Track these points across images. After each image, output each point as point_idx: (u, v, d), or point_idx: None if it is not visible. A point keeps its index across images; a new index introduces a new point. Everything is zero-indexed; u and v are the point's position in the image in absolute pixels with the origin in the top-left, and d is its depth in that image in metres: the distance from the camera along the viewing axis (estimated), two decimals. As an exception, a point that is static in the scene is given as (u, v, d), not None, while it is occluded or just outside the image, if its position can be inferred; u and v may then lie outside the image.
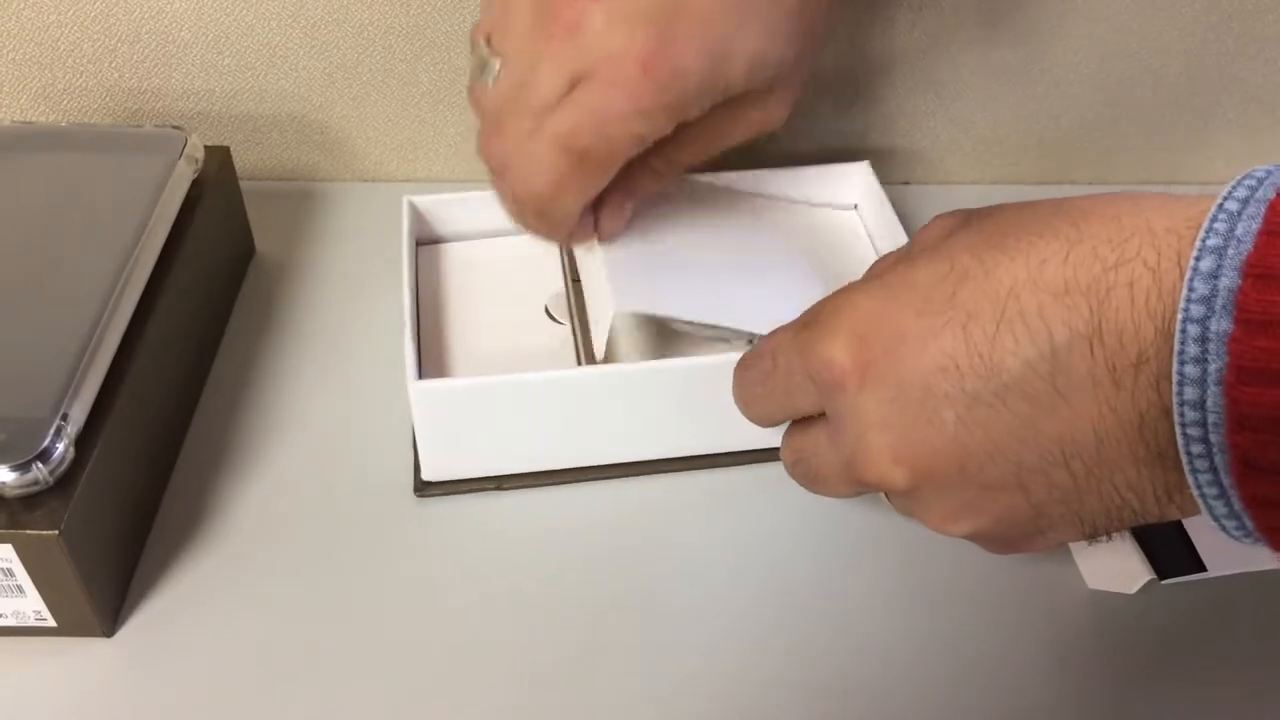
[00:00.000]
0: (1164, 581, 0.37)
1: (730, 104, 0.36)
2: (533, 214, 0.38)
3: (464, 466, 0.42)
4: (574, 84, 0.34)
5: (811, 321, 0.31)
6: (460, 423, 0.40)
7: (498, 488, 0.42)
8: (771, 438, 0.43)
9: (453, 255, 0.48)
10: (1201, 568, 0.37)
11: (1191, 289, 0.24)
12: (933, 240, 0.31)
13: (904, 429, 0.28)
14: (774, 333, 0.34)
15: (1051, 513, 0.28)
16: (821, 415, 0.32)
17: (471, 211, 0.48)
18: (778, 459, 0.43)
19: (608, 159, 0.35)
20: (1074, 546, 0.41)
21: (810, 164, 0.50)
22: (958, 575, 0.40)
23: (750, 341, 0.44)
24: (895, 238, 0.46)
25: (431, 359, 0.43)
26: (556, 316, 0.45)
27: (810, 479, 0.34)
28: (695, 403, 0.40)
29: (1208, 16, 0.53)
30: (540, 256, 0.47)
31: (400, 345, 0.40)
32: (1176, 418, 0.24)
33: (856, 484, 0.31)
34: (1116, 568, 0.38)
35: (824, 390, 0.30)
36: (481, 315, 0.45)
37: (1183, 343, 0.24)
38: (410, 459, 0.43)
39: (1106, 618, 0.39)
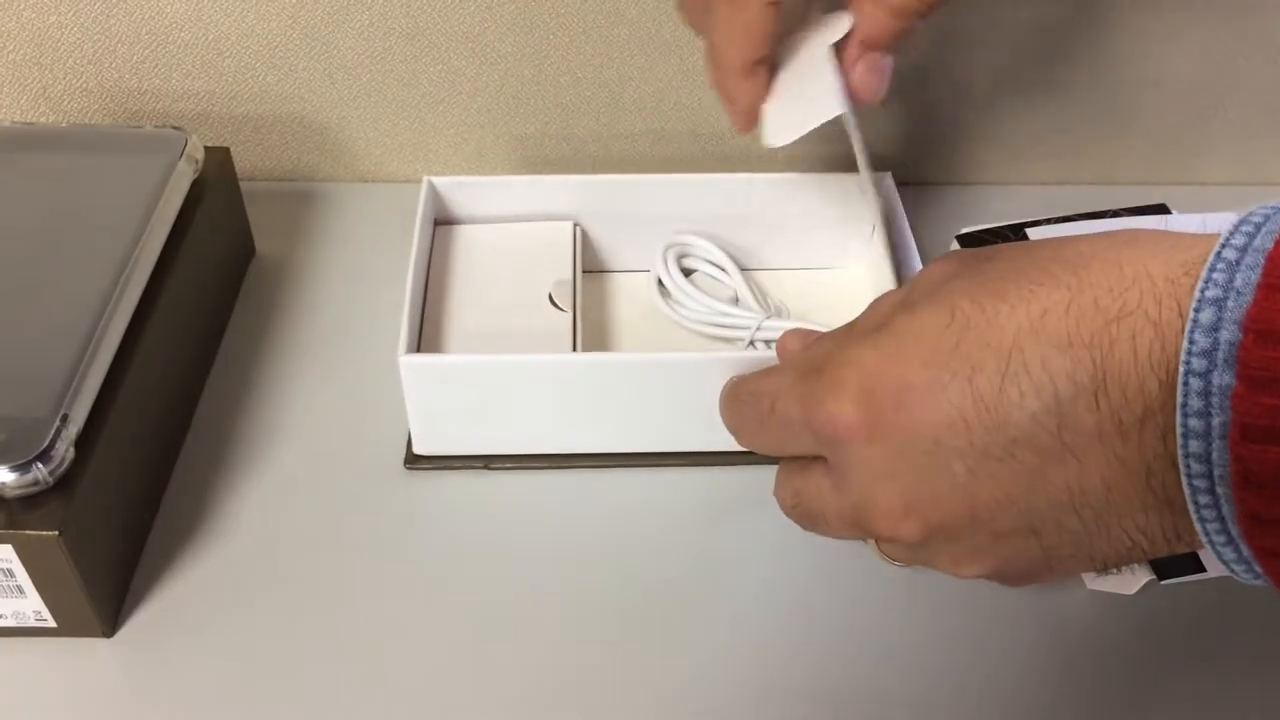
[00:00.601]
0: (1164, 582, 0.37)
1: None
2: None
3: (453, 443, 0.42)
4: None
5: (813, 373, 0.30)
6: (447, 398, 0.40)
7: (485, 467, 0.43)
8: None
9: (465, 237, 0.48)
10: (1201, 568, 0.37)
11: (1192, 341, 0.24)
12: (933, 284, 0.30)
13: (914, 481, 0.28)
14: (769, 375, 0.33)
15: (1063, 553, 0.28)
16: (819, 457, 0.32)
17: (489, 196, 0.48)
18: (767, 462, 0.43)
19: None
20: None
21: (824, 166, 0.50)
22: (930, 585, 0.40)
23: (750, 344, 0.44)
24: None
25: (430, 336, 0.44)
26: (560, 304, 0.45)
27: (810, 519, 0.34)
28: (685, 399, 0.41)
29: (1208, 16, 0.53)
30: (551, 243, 0.48)
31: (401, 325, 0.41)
32: (1183, 469, 0.24)
33: (862, 532, 0.31)
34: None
35: (827, 443, 0.30)
36: (485, 297, 0.46)
37: (1185, 396, 0.24)
38: (404, 446, 0.43)
39: (1106, 618, 0.39)
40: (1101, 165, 0.59)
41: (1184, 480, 0.24)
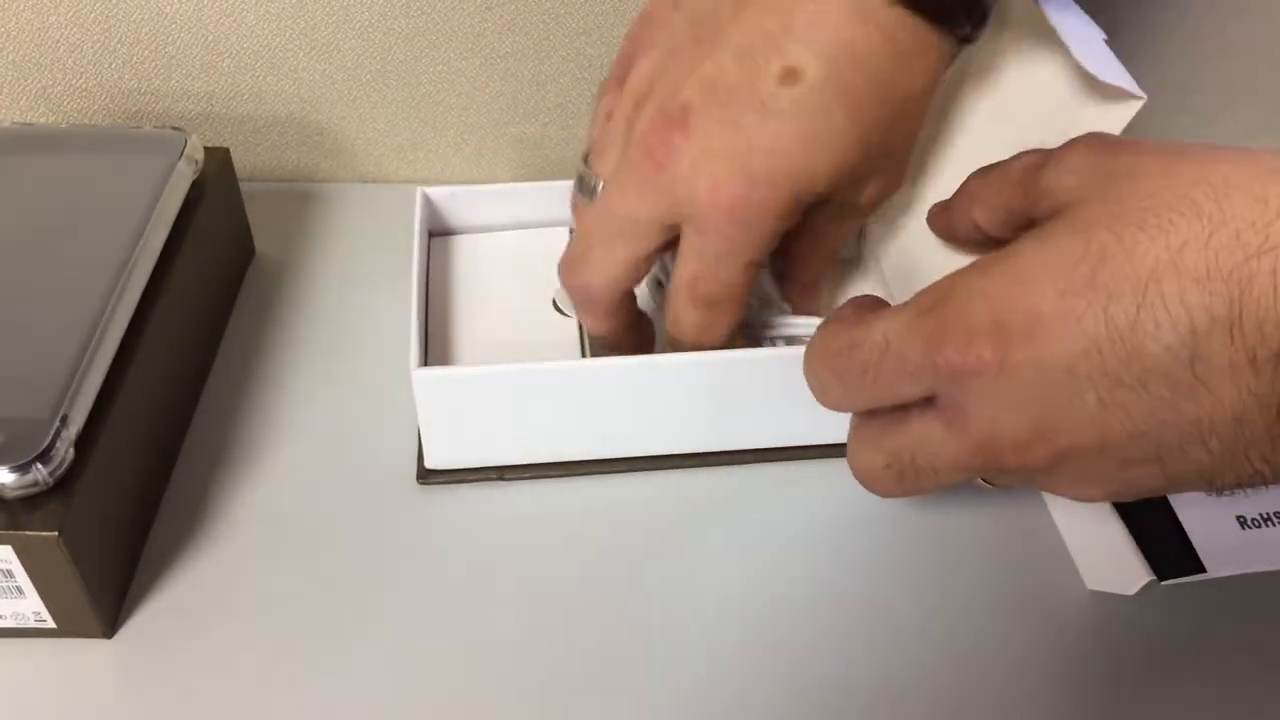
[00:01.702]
0: (1164, 582, 0.37)
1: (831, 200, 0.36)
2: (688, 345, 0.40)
3: (466, 455, 0.42)
4: (665, 224, 0.36)
5: (936, 308, 0.30)
6: (462, 411, 0.40)
7: (500, 478, 0.42)
8: (779, 437, 0.43)
9: (463, 247, 0.48)
10: (1201, 569, 0.37)
11: None
12: (1067, 197, 0.30)
13: (1044, 410, 0.28)
14: (874, 321, 0.32)
15: (1185, 481, 0.29)
16: (913, 406, 0.32)
17: (483, 205, 0.48)
18: (784, 459, 0.43)
19: (734, 294, 0.37)
20: (1072, 549, 0.41)
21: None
22: (959, 576, 0.40)
23: (785, 342, 0.43)
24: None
25: (436, 348, 0.43)
26: (564, 310, 0.45)
27: (915, 474, 0.32)
28: (700, 399, 0.41)
29: (1208, 17, 0.53)
30: (549, 249, 0.47)
31: (404, 339, 0.41)
32: None
33: (985, 470, 0.31)
34: (1116, 569, 0.38)
35: (952, 379, 0.29)
36: (488, 306, 0.45)
37: None
38: (413, 456, 0.43)
39: (1106, 618, 0.39)
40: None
41: None
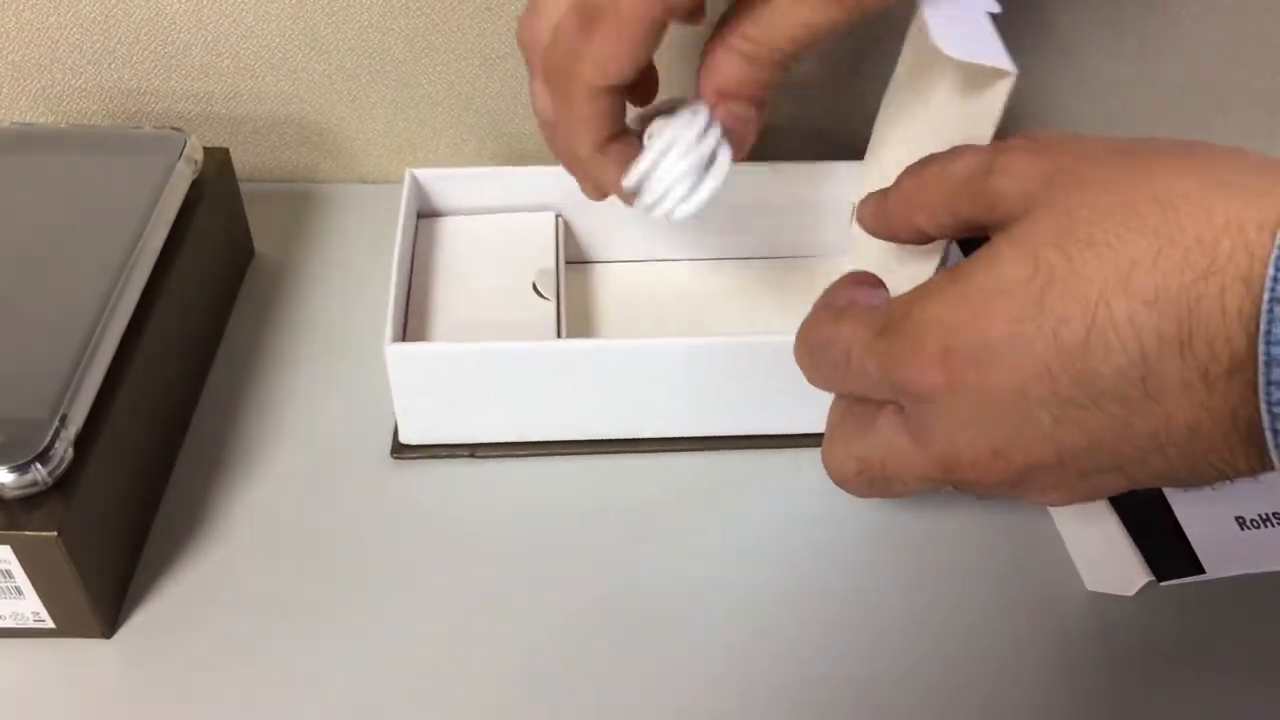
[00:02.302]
0: (1163, 583, 0.37)
1: None
2: (556, 95, 0.35)
3: (439, 432, 0.43)
4: None
5: (892, 329, 0.30)
6: (434, 388, 0.41)
7: (471, 455, 0.43)
8: (757, 425, 0.43)
9: (449, 229, 0.49)
10: (1200, 569, 0.37)
11: (1276, 280, 0.24)
12: (1016, 207, 0.29)
13: (999, 429, 0.28)
14: (842, 323, 0.32)
15: (1147, 483, 0.29)
16: (887, 406, 0.32)
17: (471, 188, 0.48)
18: (761, 447, 0.43)
19: (622, 23, 0.32)
20: (1072, 550, 0.41)
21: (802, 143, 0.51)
22: (958, 576, 0.40)
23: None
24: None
25: (416, 326, 0.44)
26: (543, 292, 0.45)
27: (883, 482, 0.32)
28: (669, 384, 0.41)
29: (1208, 17, 0.53)
30: (534, 233, 0.48)
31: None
32: (1263, 396, 0.24)
33: (945, 483, 0.31)
34: (1115, 570, 0.38)
35: (907, 396, 0.30)
36: (470, 287, 0.46)
37: (1269, 324, 0.24)
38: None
39: (1106, 619, 0.39)
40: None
41: (1268, 432, 0.24)
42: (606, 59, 0.32)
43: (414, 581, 0.39)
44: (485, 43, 0.52)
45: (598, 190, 0.38)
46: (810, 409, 0.35)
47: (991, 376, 0.28)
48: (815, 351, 0.33)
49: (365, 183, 0.57)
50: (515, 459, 0.43)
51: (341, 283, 0.51)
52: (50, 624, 0.36)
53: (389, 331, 0.40)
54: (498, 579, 0.40)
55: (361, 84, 0.54)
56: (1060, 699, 0.37)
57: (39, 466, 0.33)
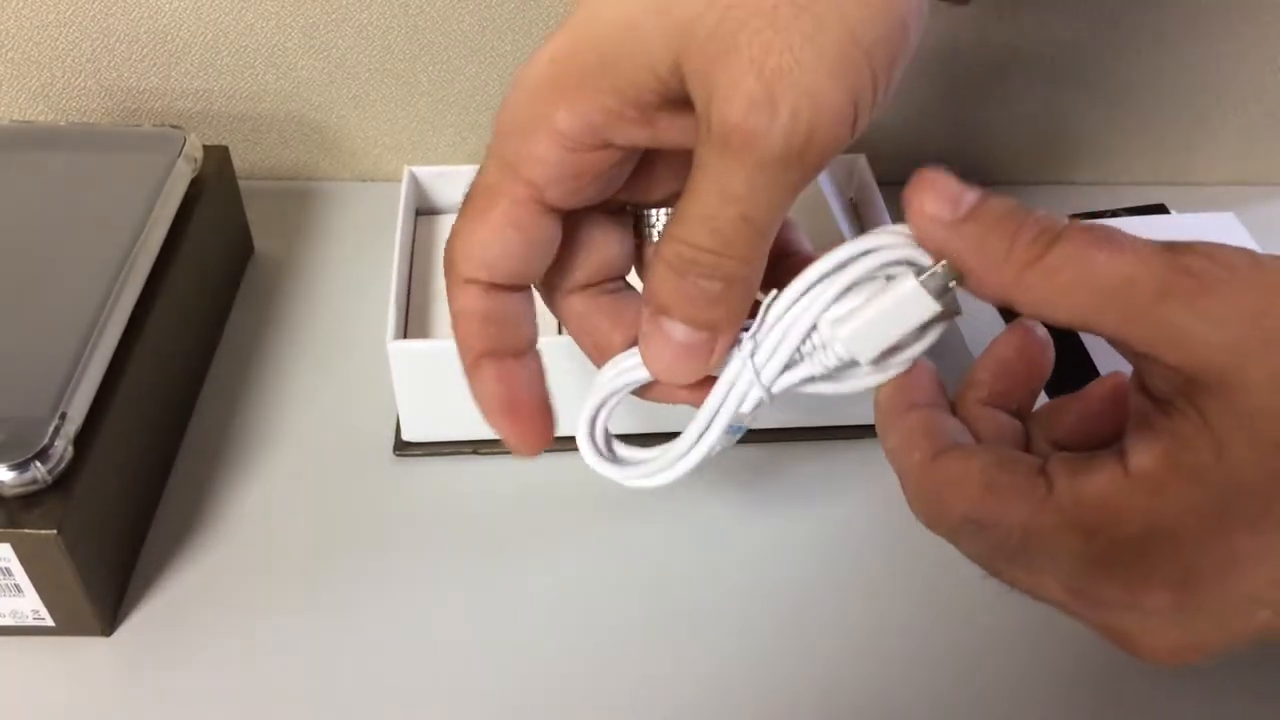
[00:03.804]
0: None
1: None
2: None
3: (441, 429, 0.43)
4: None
5: (1104, 536, 0.24)
6: (436, 384, 0.41)
7: (474, 452, 0.43)
8: (759, 420, 0.43)
9: (449, 226, 0.48)
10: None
11: None
12: (1214, 351, 0.23)
13: (1210, 627, 0.24)
14: (1007, 504, 0.25)
15: None
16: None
17: (469, 185, 0.48)
18: (766, 441, 0.43)
19: (479, 196, 0.28)
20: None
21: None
22: (957, 575, 0.40)
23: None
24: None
25: (418, 324, 0.44)
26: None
27: (1006, 557, 0.26)
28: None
29: (1207, 17, 0.53)
30: None
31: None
32: None
33: (1100, 633, 0.26)
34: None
35: (1112, 606, 0.25)
36: None
37: None
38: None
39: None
40: (1100, 165, 0.59)
41: None
42: (473, 243, 0.28)
43: (417, 579, 0.39)
44: (485, 40, 0.52)
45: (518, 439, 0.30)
46: (811, 406, 0.35)
47: (1231, 587, 0.24)
48: (958, 528, 0.26)
49: (365, 180, 0.57)
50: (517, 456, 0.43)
51: (341, 280, 0.51)
52: (50, 622, 0.36)
53: (390, 328, 0.40)
54: (501, 576, 0.40)
55: (361, 82, 0.53)
56: (1060, 696, 0.37)
57: (38, 464, 0.33)
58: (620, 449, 0.30)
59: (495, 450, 0.43)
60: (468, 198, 0.28)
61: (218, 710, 0.36)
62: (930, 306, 0.25)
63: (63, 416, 0.34)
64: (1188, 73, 0.55)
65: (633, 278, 0.31)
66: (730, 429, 0.28)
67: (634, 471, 0.30)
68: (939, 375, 0.28)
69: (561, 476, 0.43)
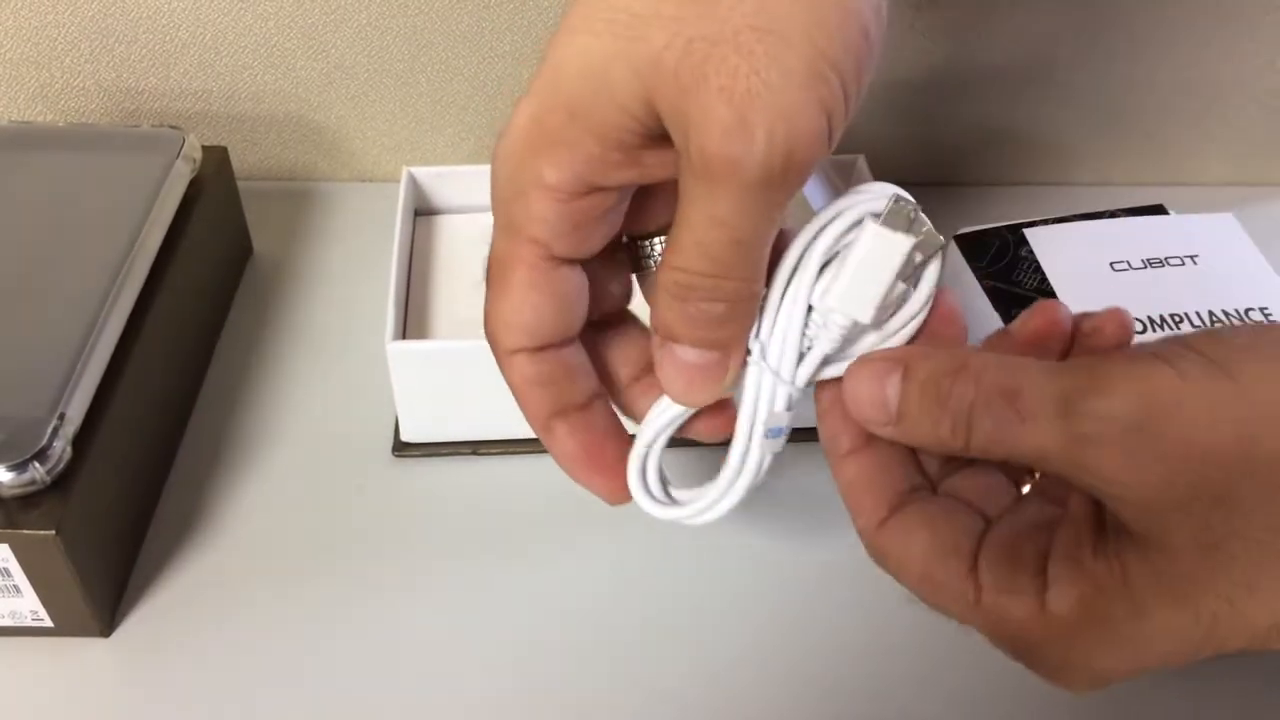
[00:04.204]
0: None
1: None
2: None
3: (440, 430, 0.43)
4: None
5: (1030, 660, 0.26)
6: (435, 385, 0.41)
7: (474, 452, 0.43)
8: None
9: (447, 227, 0.49)
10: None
11: None
12: (1128, 491, 0.23)
13: (1126, 666, 0.25)
14: (964, 606, 0.26)
15: None
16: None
17: (467, 185, 0.49)
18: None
19: (497, 269, 0.27)
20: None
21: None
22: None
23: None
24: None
25: (416, 324, 0.44)
26: None
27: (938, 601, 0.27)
28: None
29: (1207, 17, 0.53)
30: None
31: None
32: None
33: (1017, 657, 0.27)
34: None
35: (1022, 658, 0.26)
36: (469, 284, 0.46)
37: None
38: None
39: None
40: (1099, 166, 0.59)
41: None
42: (505, 314, 0.27)
43: (416, 579, 0.39)
44: (483, 41, 0.52)
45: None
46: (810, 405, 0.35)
47: (1144, 668, 0.25)
48: (935, 602, 0.27)
49: (363, 181, 0.57)
50: (517, 456, 0.43)
51: (340, 281, 0.51)
52: (48, 623, 0.36)
53: (389, 329, 0.40)
54: (500, 576, 0.40)
55: (360, 82, 0.53)
56: (1061, 698, 0.37)
57: (37, 465, 0.33)
58: (674, 490, 0.30)
59: (494, 451, 0.43)
60: (488, 274, 0.28)
61: (217, 710, 0.36)
62: (901, 242, 0.26)
63: (61, 417, 0.34)
64: (1187, 73, 0.55)
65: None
66: (770, 433, 0.28)
67: (693, 509, 0.29)
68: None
69: (560, 477, 0.43)
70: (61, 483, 0.34)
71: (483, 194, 0.48)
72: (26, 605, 0.36)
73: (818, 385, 0.28)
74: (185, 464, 0.43)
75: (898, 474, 0.28)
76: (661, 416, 0.29)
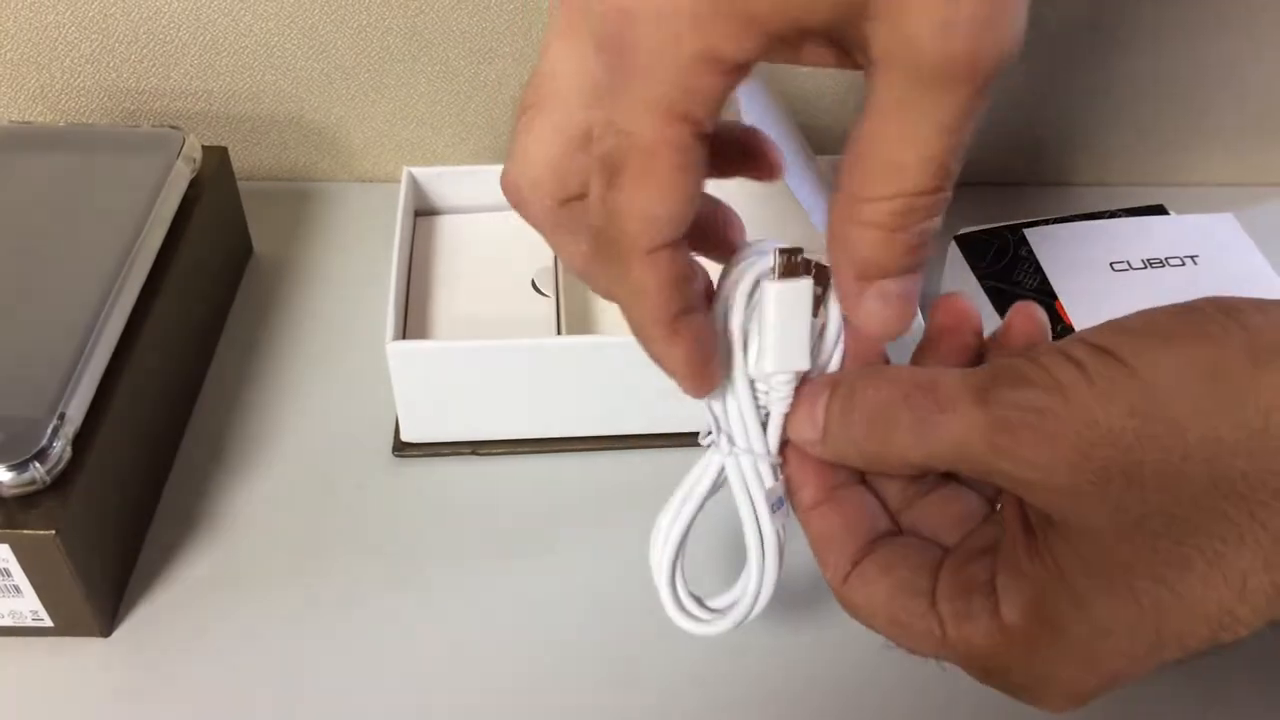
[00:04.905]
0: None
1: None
2: (606, 271, 0.27)
3: (441, 430, 0.43)
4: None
5: (993, 674, 0.26)
6: (436, 385, 0.41)
7: (473, 452, 0.43)
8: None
9: (447, 227, 0.49)
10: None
11: None
12: (1081, 523, 0.23)
13: (1093, 675, 0.25)
14: (926, 636, 0.26)
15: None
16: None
17: (468, 186, 0.49)
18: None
19: (645, 158, 0.24)
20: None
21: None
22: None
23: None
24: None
25: (416, 325, 0.44)
26: (542, 289, 0.46)
27: (907, 641, 0.27)
28: (668, 380, 0.41)
29: (1206, 16, 0.53)
30: (531, 231, 0.48)
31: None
32: None
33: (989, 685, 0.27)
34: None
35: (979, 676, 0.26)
36: (469, 285, 0.46)
37: None
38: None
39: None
40: (1099, 166, 0.59)
41: None
42: (644, 206, 0.24)
43: (415, 579, 0.39)
44: (483, 41, 0.52)
45: (695, 379, 0.27)
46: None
47: (1125, 682, 0.25)
48: (893, 636, 0.27)
49: (364, 181, 0.57)
50: (518, 456, 0.43)
51: (340, 281, 0.51)
52: (48, 623, 0.36)
53: (390, 329, 0.40)
54: (499, 576, 0.40)
55: (360, 82, 0.53)
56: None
57: (37, 465, 0.33)
58: (709, 601, 0.30)
59: (494, 451, 0.43)
60: (609, 168, 0.24)
61: (216, 711, 0.36)
62: (803, 287, 0.26)
63: (61, 417, 0.34)
64: (1187, 73, 0.55)
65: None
66: (774, 506, 0.28)
67: (738, 611, 0.30)
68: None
69: (561, 477, 0.43)
70: (61, 483, 0.34)
71: (483, 194, 0.48)
72: (26, 605, 0.36)
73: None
74: (185, 464, 0.43)
75: (861, 524, 0.28)
76: (689, 504, 0.30)
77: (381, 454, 0.43)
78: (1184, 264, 0.47)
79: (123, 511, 0.39)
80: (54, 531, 0.33)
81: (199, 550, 0.40)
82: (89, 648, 0.37)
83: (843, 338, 0.28)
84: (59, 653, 0.37)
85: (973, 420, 0.24)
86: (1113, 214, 0.50)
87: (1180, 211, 0.50)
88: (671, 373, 0.27)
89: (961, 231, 0.50)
